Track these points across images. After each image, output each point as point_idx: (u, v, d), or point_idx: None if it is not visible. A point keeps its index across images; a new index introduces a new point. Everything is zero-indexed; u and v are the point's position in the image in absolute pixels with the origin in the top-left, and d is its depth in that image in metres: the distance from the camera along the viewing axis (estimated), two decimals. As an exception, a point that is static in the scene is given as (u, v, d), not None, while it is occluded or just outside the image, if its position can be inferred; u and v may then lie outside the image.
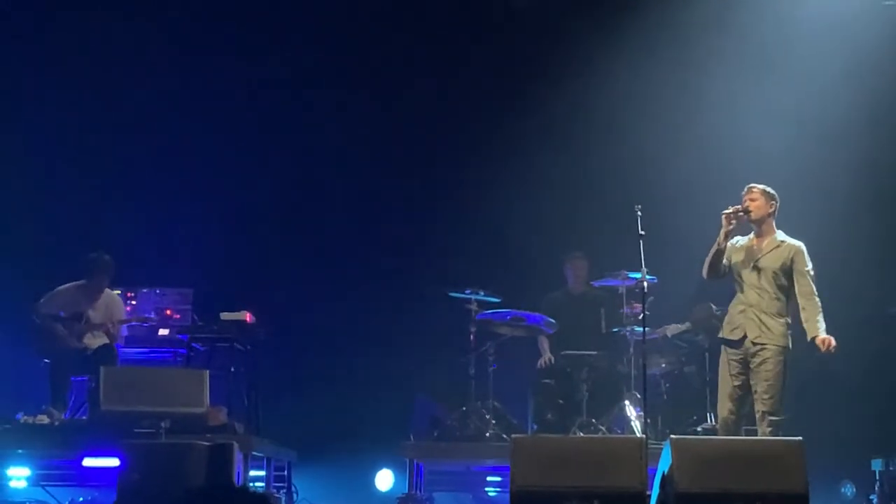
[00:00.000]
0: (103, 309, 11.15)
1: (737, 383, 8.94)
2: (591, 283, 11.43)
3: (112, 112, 12.63)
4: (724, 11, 12.14)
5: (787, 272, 8.99)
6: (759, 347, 8.86)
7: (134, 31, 12.57)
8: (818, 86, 11.87)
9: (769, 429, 8.74)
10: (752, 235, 9.13)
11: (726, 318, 9.18)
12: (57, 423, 10.36)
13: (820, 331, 8.88)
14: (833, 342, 8.84)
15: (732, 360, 8.99)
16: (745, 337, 8.92)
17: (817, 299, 8.95)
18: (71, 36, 12.53)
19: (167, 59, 12.67)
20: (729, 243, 9.02)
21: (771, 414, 8.78)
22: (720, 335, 9.20)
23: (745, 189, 9.08)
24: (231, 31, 12.64)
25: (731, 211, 8.93)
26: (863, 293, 11.33)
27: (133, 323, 11.32)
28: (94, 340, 11.07)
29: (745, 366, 8.94)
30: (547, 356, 11.30)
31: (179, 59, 12.65)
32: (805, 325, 8.95)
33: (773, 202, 9.07)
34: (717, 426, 9.19)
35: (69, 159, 12.53)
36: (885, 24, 11.97)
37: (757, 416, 8.88)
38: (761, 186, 9.06)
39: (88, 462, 9.63)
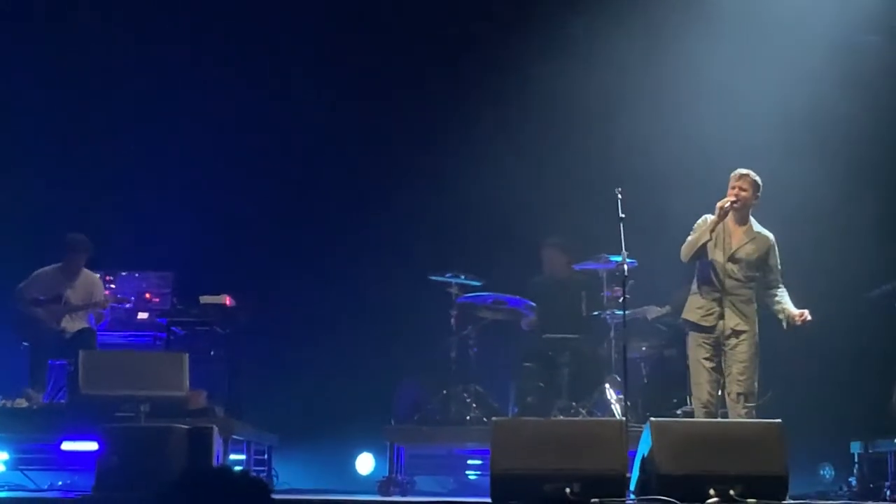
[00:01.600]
0: (82, 290, 11.11)
1: (711, 366, 9.00)
2: (573, 266, 11.41)
3: (93, 99, 12.58)
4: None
5: (760, 263, 9.08)
6: (738, 333, 8.90)
7: (116, 25, 12.57)
8: (802, 71, 11.85)
9: (744, 410, 8.80)
10: (727, 221, 9.06)
11: (694, 302, 9.16)
12: (35, 407, 10.32)
13: (794, 309, 8.97)
14: (808, 315, 8.90)
15: (705, 343, 9.02)
16: (717, 325, 8.94)
17: (784, 291, 9.11)
18: (53, 28, 12.52)
19: (148, 52, 12.68)
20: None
21: (746, 395, 8.85)
22: (687, 318, 9.19)
23: (738, 175, 9.04)
24: (211, 27, 12.62)
25: (728, 204, 8.91)
26: (843, 276, 11.34)
27: (112, 305, 11.27)
28: (73, 324, 11.03)
29: (717, 349, 8.98)
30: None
31: (159, 51, 12.66)
32: (777, 309, 9.02)
33: (758, 194, 9.09)
34: (694, 409, 9.18)
35: (50, 146, 12.48)
36: (869, 6, 11.97)
37: (730, 397, 8.92)
38: (753, 175, 9.04)
39: (67, 446, 9.64)
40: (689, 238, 9.13)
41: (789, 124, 11.78)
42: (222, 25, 12.66)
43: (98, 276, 11.36)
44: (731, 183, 9.04)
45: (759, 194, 9.07)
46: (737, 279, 9.00)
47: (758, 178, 9.05)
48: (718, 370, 8.98)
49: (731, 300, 8.97)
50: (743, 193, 8.99)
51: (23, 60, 12.53)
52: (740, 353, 8.90)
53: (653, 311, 11.08)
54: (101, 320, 11.23)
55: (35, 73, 12.50)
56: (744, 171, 9.05)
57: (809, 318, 8.93)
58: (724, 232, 9.07)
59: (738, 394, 8.84)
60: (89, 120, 12.62)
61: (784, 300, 9.05)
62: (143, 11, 12.60)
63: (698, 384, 9.07)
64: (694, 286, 9.21)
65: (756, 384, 8.94)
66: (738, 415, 8.80)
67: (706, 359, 9.00)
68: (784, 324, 9.06)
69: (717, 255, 9.04)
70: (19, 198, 12.24)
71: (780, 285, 9.12)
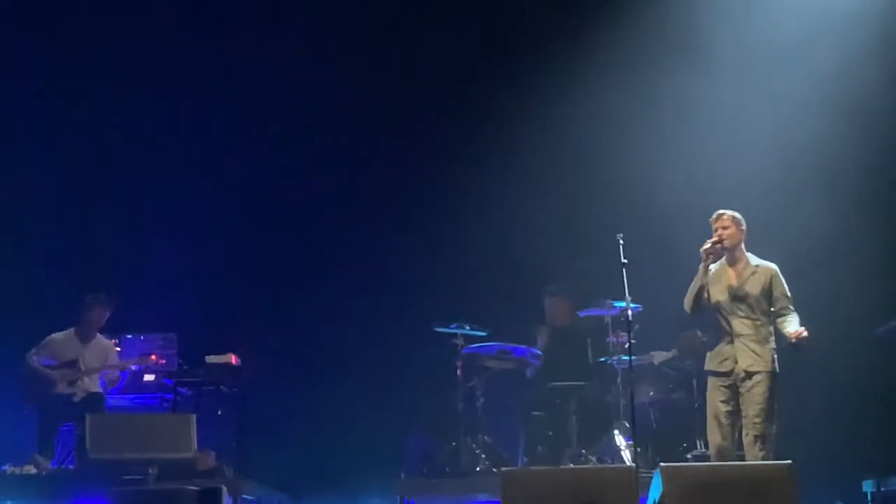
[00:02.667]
0: (98, 353, 11.13)
1: (727, 409, 8.93)
2: (577, 313, 11.40)
3: (98, 156, 12.65)
4: (699, 33, 12.17)
5: (766, 296, 9.02)
6: (752, 374, 8.86)
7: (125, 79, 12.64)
8: (802, 102, 11.90)
9: (761, 452, 8.72)
10: (723, 263, 9.12)
11: (712, 351, 9.14)
12: (44, 473, 10.30)
13: (792, 328, 8.87)
14: (804, 332, 8.81)
15: (721, 386, 8.98)
16: (734, 368, 8.91)
17: (795, 314, 8.99)
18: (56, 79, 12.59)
19: (150, 101, 12.72)
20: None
21: (762, 438, 8.76)
22: (706, 367, 9.18)
23: (715, 216, 9.10)
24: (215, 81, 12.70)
25: (709, 246, 8.93)
26: (853, 313, 11.31)
27: (133, 367, 11.30)
28: (85, 386, 11.03)
29: (734, 392, 8.93)
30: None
31: (162, 101, 12.71)
32: (784, 332, 8.96)
33: (743, 227, 9.11)
34: (710, 454, 9.14)
35: (54, 203, 12.50)
36: (861, 31, 12.02)
37: (747, 440, 8.85)
38: (730, 213, 9.08)
39: (77, 511, 9.57)
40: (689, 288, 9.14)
41: (791, 157, 11.81)
42: (216, 71, 12.72)
43: (109, 341, 11.37)
44: (713, 226, 9.09)
45: (743, 228, 9.09)
46: (745, 318, 8.97)
47: (736, 214, 9.08)
48: (735, 413, 8.93)
49: (741, 341, 8.94)
50: (725, 232, 9.02)
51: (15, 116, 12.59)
52: (756, 396, 8.83)
53: (659, 356, 11.07)
54: (116, 383, 11.25)
55: (30, 130, 12.55)
56: (720, 210, 9.10)
57: (805, 333, 8.81)
58: (724, 274, 9.08)
59: (755, 436, 8.77)
60: (96, 186, 12.67)
61: (788, 321, 8.96)
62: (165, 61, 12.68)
63: (711, 427, 9.02)
64: (710, 336, 9.20)
65: (774, 426, 8.86)
66: (754, 457, 8.72)
67: (723, 402, 8.95)
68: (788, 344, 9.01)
69: (722, 298, 9.03)
70: (25, 260, 12.26)
71: (791, 311, 9.01)
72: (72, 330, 11.19)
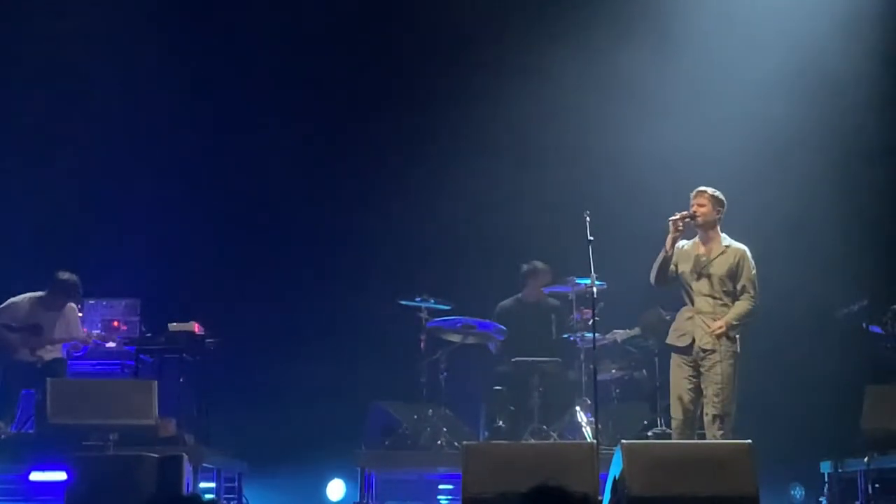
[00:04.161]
0: (63, 322, 11.05)
1: (689, 386, 8.94)
2: (542, 289, 11.44)
3: (61, 124, 12.53)
4: (664, 12, 12.24)
5: (733, 277, 9.01)
6: (709, 352, 8.89)
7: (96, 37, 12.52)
8: (763, 84, 11.97)
9: (720, 431, 8.74)
10: (696, 240, 9.10)
11: (673, 325, 9.18)
12: (3, 437, 10.25)
13: (724, 319, 8.87)
14: (721, 328, 8.81)
15: (684, 363, 9.00)
16: (692, 343, 8.94)
17: (750, 303, 8.97)
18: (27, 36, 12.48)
19: (115, 75, 12.62)
20: (675, 249, 9.04)
21: (721, 417, 8.77)
22: (667, 342, 9.21)
23: (694, 192, 9.06)
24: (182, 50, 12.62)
25: (678, 217, 8.91)
26: (812, 296, 11.40)
27: (95, 342, 11.24)
28: (47, 353, 10.96)
29: (696, 369, 8.95)
30: None
31: (126, 75, 12.63)
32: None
33: (721, 208, 9.06)
34: (671, 429, 9.18)
35: (18, 170, 12.40)
36: (823, 13, 12.08)
37: (706, 418, 8.88)
38: (711, 190, 9.04)
39: (35, 476, 9.53)
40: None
41: (756, 139, 11.88)
42: (193, 47, 12.64)
43: (75, 305, 11.27)
44: (691, 201, 9.07)
45: (720, 209, 9.05)
46: (708, 296, 8.97)
47: (717, 194, 9.04)
48: (697, 390, 8.93)
49: (701, 318, 8.94)
50: (701, 209, 8.99)
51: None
52: (714, 374, 8.82)
53: (622, 333, 11.11)
54: (79, 349, 11.17)
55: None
56: (702, 188, 9.06)
57: (721, 330, 8.84)
58: (694, 251, 9.08)
59: (714, 415, 8.76)
60: (60, 149, 12.56)
61: (734, 307, 8.94)
62: (119, 38, 12.55)
63: (673, 403, 9.04)
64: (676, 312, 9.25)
65: (733, 405, 8.88)
66: (713, 436, 8.73)
67: (685, 378, 8.94)
68: None
69: (688, 275, 9.03)
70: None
71: (745, 297, 8.97)
72: (37, 295, 11.07)
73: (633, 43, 12.17)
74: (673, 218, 8.91)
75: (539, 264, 11.48)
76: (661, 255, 8.98)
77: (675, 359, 9.08)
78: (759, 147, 11.93)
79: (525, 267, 11.51)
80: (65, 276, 11.01)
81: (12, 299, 11.07)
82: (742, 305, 8.95)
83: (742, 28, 12.15)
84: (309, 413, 11.80)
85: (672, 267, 9.04)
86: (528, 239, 11.98)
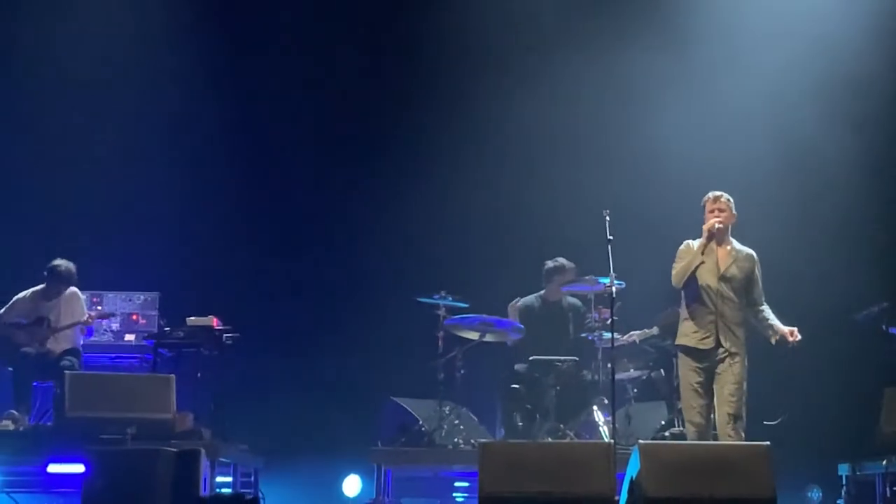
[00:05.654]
0: (65, 308, 11.06)
1: (702, 390, 8.98)
2: (561, 288, 11.41)
3: (81, 114, 12.59)
4: (681, 12, 12.22)
5: (749, 281, 9.12)
6: (733, 354, 8.91)
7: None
8: (770, 83, 11.98)
9: (734, 432, 8.78)
10: (706, 242, 9.09)
11: (688, 327, 9.16)
12: (21, 429, 10.28)
13: (783, 326, 9.03)
14: (797, 332, 8.97)
15: (697, 367, 9.01)
16: (715, 346, 8.94)
17: (767, 307, 9.17)
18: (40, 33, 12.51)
19: (129, 73, 12.71)
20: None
21: (736, 417, 8.83)
22: (682, 343, 9.17)
23: (712, 197, 9.11)
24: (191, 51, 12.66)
25: (717, 227, 8.96)
26: (829, 299, 11.37)
27: (98, 321, 11.26)
28: (59, 344, 11.00)
29: (709, 372, 8.97)
30: None
31: (139, 73, 12.72)
32: (765, 326, 9.09)
33: (734, 211, 9.15)
34: (687, 432, 9.17)
35: (35, 163, 12.45)
36: (828, 14, 12.05)
37: (721, 419, 8.90)
38: (726, 195, 9.12)
39: (53, 468, 9.55)
40: (680, 264, 9.12)
41: (778, 140, 11.84)
42: (204, 48, 12.67)
43: (76, 289, 11.27)
44: (709, 206, 9.09)
45: (735, 212, 9.14)
46: (729, 300, 9.02)
47: (731, 198, 9.13)
48: (710, 394, 8.97)
49: (725, 322, 8.99)
50: (724, 214, 9.06)
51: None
52: (733, 375, 8.88)
53: (640, 333, 11.07)
54: (84, 332, 11.19)
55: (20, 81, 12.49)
56: (717, 192, 9.13)
57: (799, 336, 8.95)
58: (711, 255, 9.09)
59: (729, 415, 8.82)
60: (78, 141, 12.60)
61: (771, 317, 9.11)
62: (141, 35, 12.61)
63: (690, 408, 9.05)
64: (684, 312, 9.20)
65: (744, 407, 8.93)
66: (727, 436, 8.78)
67: (698, 383, 8.99)
68: (772, 340, 9.08)
69: (709, 278, 9.04)
70: (3, 219, 12.21)
71: (764, 302, 9.16)
72: (38, 289, 11.11)
73: (654, 42, 12.17)
74: (708, 226, 8.97)
75: (565, 262, 11.41)
76: (694, 260, 9.02)
77: (687, 362, 9.08)
78: (780, 148, 11.89)
79: (550, 264, 11.43)
80: (57, 262, 11.04)
81: (17, 296, 11.12)
82: (769, 310, 9.10)
83: (761, 23, 12.17)
84: (326, 409, 11.84)
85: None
86: (548, 237, 11.95)
